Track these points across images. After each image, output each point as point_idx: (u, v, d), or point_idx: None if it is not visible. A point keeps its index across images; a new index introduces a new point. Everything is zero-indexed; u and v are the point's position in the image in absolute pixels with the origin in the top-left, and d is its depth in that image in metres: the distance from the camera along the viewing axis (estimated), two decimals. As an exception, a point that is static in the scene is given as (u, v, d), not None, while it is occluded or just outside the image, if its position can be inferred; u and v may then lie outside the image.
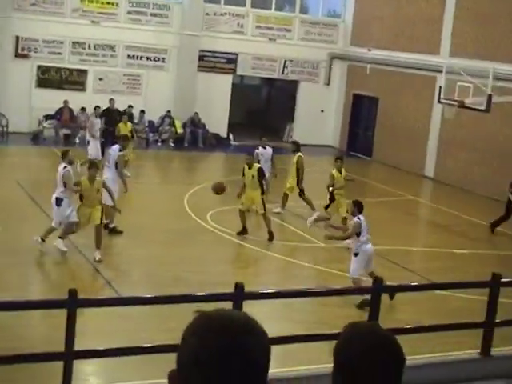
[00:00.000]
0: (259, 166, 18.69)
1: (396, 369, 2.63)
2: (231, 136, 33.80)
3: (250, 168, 18.29)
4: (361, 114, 34.64)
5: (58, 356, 8.73)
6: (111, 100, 28.15)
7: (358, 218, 14.11)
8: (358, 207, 14.28)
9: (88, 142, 24.56)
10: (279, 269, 16.67)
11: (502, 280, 10.57)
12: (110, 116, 27.64)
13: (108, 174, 17.57)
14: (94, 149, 24.17)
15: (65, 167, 15.65)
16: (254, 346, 2.09)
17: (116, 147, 18.08)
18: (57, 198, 15.51)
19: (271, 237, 17.99)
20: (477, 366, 10.34)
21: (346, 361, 2.62)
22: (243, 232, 18.08)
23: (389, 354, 2.61)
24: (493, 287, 10.46)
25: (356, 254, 14.07)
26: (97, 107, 29.40)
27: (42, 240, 15.30)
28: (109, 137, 26.92)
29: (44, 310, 10.97)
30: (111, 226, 17.33)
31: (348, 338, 2.65)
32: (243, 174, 18.41)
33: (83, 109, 30.25)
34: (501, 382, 9.90)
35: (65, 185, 15.47)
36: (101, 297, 10.81)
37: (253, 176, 18.16)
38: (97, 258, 15.01)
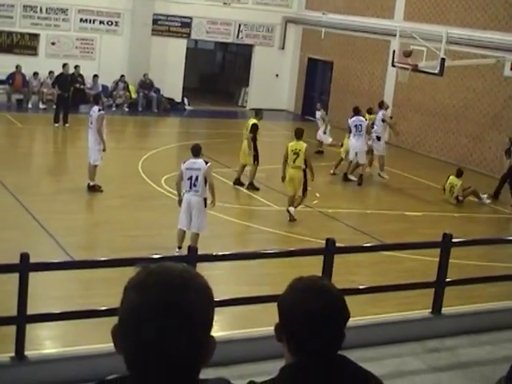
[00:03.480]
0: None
1: (336, 322, 2.66)
2: (186, 101, 33.63)
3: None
4: (316, 78, 34.63)
5: (10, 320, 8.68)
6: (65, 65, 27.74)
7: None
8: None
9: None
10: (236, 233, 16.69)
11: (453, 240, 10.71)
12: (64, 81, 27.28)
13: (91, 136, 18.17)
14: None
15: (206, 163, 13.71)
16: (194, 299, 2.07)
17: (96, 108, 18.35)
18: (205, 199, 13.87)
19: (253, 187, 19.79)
20: (428, 325, 10.52)
21: (285, 310, 2.66)
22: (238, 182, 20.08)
23: (329, 307, 2.65)
24: (443, 247, 10.60)
25: None
26: (50, 72, 29.08)
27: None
28: (62, 102, 26.65)
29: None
30: (92, 183, 18.03)
31: (291, 290, 2.69)
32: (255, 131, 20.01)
33: (36, 74, 29.84)
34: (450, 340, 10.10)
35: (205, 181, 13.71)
36: (52, 260, 10.72)
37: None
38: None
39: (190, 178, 13.59)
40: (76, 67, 29.80)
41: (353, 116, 22.10)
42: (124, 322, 2.10)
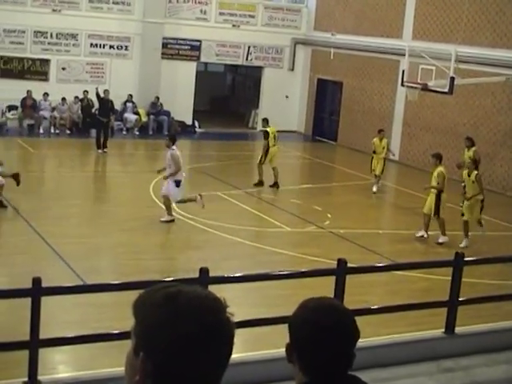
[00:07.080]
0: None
1: (346, 340, 2.65)
2: (196, 123, 33.72)
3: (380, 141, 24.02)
4: (325, 99, 34.69)
5: (23, 345, 8.67)
6: (105, 91, 27.75)
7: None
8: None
9: None
10: (248, 255, 16.66)
11: (465, 259, 10.66)
12: (105, 107, 27.38)
13: None
14: None
15: None
16: (227, 320, 2.11)
17: None
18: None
19: None
20: (442, 344, 10.44)
21: (295, 330, 2.65)
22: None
23: (339, 325, 2.63)
24: (455, 266, 10.55)
25: None
26: (63, 99, 29.18)
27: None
28: (103, 128, 26.74)
29: (8, 302, 10.86)
30: None
31: (301, 310, 2.69)
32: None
33: (46, 94, 29.94)
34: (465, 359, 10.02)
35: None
36: (64, 284, 10.72)
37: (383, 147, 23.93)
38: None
39: None
40: (85, 92, 30.00)
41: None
42: (162, 351, 2.04)
